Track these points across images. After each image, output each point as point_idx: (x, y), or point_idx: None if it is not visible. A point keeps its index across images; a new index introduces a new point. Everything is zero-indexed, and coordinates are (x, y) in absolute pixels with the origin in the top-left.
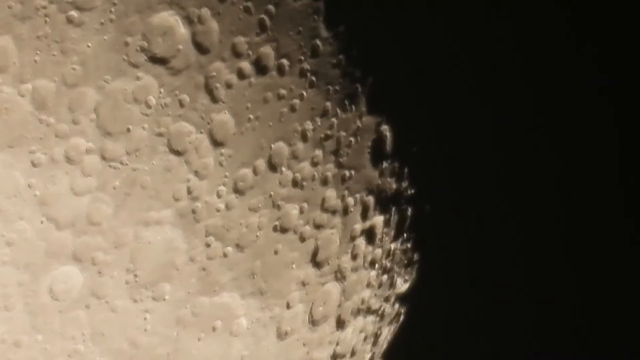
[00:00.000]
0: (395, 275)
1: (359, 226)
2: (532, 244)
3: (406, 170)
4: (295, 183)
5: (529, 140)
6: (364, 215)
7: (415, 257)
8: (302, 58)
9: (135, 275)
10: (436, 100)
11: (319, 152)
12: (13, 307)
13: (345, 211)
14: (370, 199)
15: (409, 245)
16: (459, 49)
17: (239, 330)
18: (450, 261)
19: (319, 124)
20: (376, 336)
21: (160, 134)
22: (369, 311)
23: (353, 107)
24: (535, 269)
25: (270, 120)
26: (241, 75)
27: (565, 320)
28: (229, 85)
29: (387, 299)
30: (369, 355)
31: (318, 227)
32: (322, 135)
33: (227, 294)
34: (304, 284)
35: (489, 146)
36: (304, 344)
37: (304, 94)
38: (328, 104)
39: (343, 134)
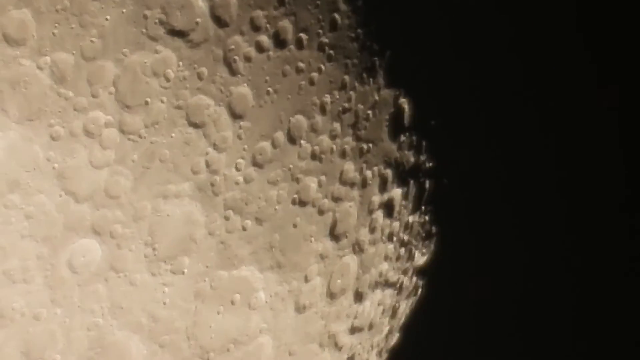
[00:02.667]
0: (413, 248)
1: (377, 199)
2: (551, 216)
3: (424, 143)
4: (314, 156)
5: (548, 112)
6: (382, 188)
7: (433, 230)
8: (321, 32)
9: (154, 249)
10: (455, 73)
11: (337, 125)
12: (32, 280)
13: (364, 184)
14: (389, 172)
15: (427, 218)
16: (478, 22)
17: (258, 304)
18: (469, 234)
19: (338, 97)
20: (394, 309)
21: (178, 107)
22: (387, 284)
23: (371, 81)
24: (555, 241)
25: (289, 93)
26: (260, 48)
27: (586, 298)
28: (247, 59)
29: (405, 272)
30: (387, 328)
31: (336, 200)
32: (341, 109)
33: (245, 267)
34: (322, 257)
35: (507, 118)
36: (322, 317)
37: (323, 67)
38: (346, 77)
39: (361, 107)
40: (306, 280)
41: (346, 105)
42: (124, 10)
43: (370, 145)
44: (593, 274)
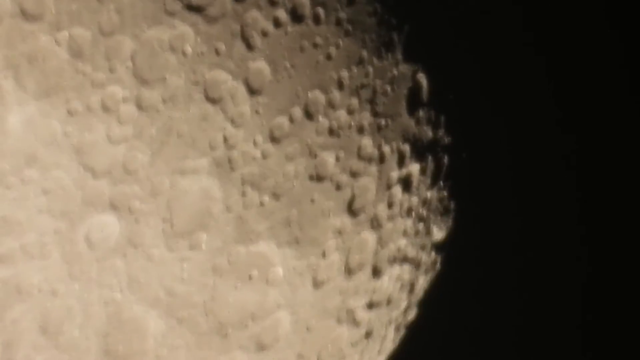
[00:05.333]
0: (432, 223)
1: (395, 174)
2: (568, 192)
3: (443, 118)
4: (331, 131)
5: (565, 88)
6: (400, 164)
7: (452, 205)
8: (338, 7)
9: (172, 224)
10: (473, 47)
11: (355, 101)
12: (50, 255)
13: (382, 159)
14: (407, 147)
15: (445, 193)
16: None
17: (275, 279)
18: (487, 209)
19: (355, 72)
20: (412, 285)
21: (196, 82)
22: (405, 259)
23: (389, 56)
24: (576, 217)
25: (306, 68)
26: (277, 23)
27: (597, 277)
28: (265, 34)
29: (423, 248)
30: (404, 304)
31: (354, 175)
32: (358, 84)
33: (263, 242)
34: (340, 232)
35: (526, 93)
36: (339, 293)
37: (340, 42)
38: (364, 52)
39: (379, 82)
40: (324, 255)
41: (364, 80)
42: None
43: (388, 120)
44: (606, 255)
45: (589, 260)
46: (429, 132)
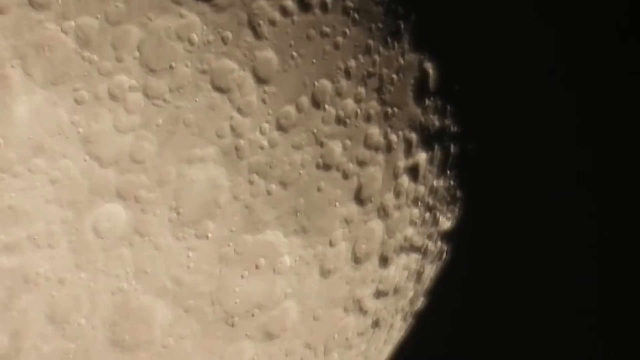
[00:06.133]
0: (439, 212)
1: (402, 163)
2: (574, 181)
3: (449, 107)
4: (338, 120)
5: (572, 77)
6: (407, 153)
7: (459, 194)
8: None
9: (179, 213)
10: (480, 37)
11: (362, 89)
12: (57, 244)
13: (389, 148)
14: (414, 136)
15: (452, 182)
16: None
17: (282, 268)
18: (494, 198)
19: (362, 61)
20: (419, 274)
21: (203, 72)
22: (412, 249)
23: (396, 45)
24: (579, 208)
25: (314, 57)
26: (284, 12)
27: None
28: (272, 23)
29: (430, 237)
30: (411, 293)
31: (361, 164)
32: (365, 73)
33: (270, 231)
34: (347, 221)
35: (532, 81)
36: (347, 282)
37: (347, 31)
38: (371, 41)
39: (386, 71)
40: (331, 244)
41: (371, 69)
42: None
43: (395, 109)
44: (615, 243)
45: (596, 257)
46: (435, 121)
